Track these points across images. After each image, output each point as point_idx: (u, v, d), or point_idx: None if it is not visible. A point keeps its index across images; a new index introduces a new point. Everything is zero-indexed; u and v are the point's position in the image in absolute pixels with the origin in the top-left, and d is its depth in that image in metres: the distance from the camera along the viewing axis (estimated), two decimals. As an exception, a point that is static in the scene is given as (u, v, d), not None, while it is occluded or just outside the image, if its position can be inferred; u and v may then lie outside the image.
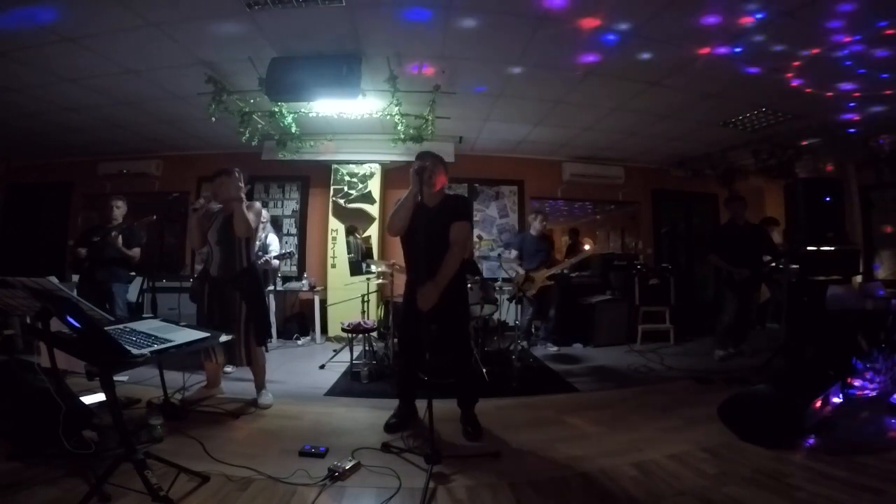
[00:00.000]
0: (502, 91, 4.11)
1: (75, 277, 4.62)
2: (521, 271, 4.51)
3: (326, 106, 4.18)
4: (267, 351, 3.01)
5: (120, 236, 3.94)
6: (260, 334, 2.92)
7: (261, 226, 2.94)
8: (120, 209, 4.12)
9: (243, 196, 2.80)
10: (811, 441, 2.30)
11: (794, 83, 3.70)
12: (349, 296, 4.84)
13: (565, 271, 4.61)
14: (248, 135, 4.27)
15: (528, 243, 4.70)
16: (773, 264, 4.49)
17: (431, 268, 2.26)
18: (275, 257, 4.37)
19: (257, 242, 3.05)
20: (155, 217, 4.08)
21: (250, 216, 2.78)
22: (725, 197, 4.82)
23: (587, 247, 4.58)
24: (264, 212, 2.97)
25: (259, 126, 4.47)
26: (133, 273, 4.31)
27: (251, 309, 2.85)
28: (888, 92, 3.81)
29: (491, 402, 2.97)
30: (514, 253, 4.76)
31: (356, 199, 5.63)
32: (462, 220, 2.41)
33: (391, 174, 5.84)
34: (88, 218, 6.06)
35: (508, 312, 4.86)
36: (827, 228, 3.64)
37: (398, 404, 2.65)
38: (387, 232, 2.62)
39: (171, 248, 5.79)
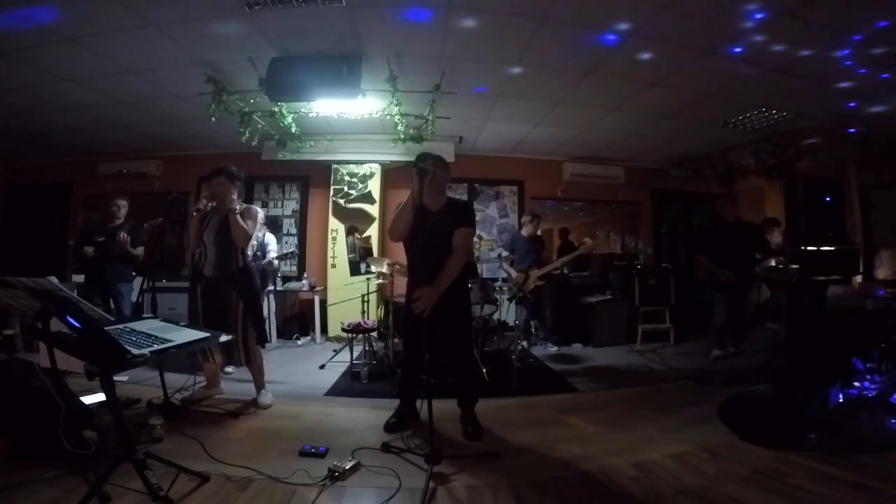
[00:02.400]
0: (502, 91, 4.10)
1: (77, 277, 4.64)
2: (514, 272, 4.52)
3: (326, 106, 4.18)
4: (263, 348, 3.00)
5: (129, 236, 4.00)
6: (257, 335, 2.92)
7: (258, 226, 2.96)
8: (124, 208, 4.17)
9: (236, 206, 2.80)
10: (811, 441, 2.30)
11: (794, 83, 3.70)
12: (349, 296, 4.83)
13: (564, 271, 4.60)
14: (248, 135, 4.27)
15: (519, 244, 4.72)
16: (764, 263, 4.47)
17: (431, 271, 2.26)
18: (276, 257, 4.38)
19: (254, 242, 3.05)
20: (161, 220, 4.14)
21: (248, 223, 2.80)
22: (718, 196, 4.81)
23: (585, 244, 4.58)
24: (261, 212, 2.99)
25: (259, 126, 4.47)
26: (133, 273, 4.33)
27: (248, 309, 2.86)
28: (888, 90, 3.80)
29: (491, 402, 2.97)
30: (505, 253, 4.78)
31: (356, 199, 5.63)
32: (466, 226, 2.41)
33: (391, 174, 5.84)
34: (88, 218, 6.06)
35: (508, 312, 4.86)
36: (827, 228, 3.64)
37: (398, 404, 2.65)
38: (388, 237, 2.62)
39: (172, 248, 5.78)
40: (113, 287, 4.00)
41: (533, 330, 4.93)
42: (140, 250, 4.06)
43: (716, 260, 4.16)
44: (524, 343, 4.53)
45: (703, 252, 4.30)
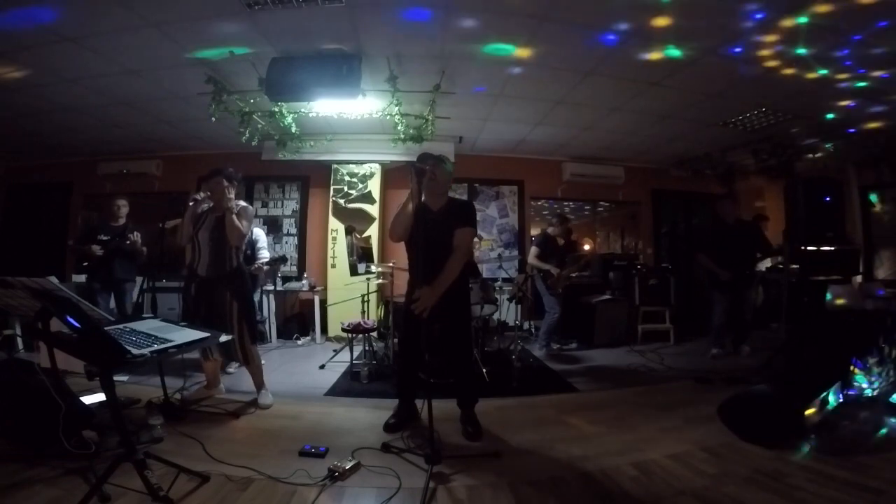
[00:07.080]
0: (502, 91, 4.10)
1: (80, 277, 4.67)
2: (552, 268, 4.51)
3: (326, 106, 4.18)
4: (254, 345, 2.99)
5: (139, 235, 4.11)
6: (251, 334, 2.93)
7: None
8: (125, 208, 4.30)
9: (232, 206, 2.82)
10: (811, 441, 2.30)
11: (794, 83, 3.70)
12: (349, 296, 4.83)
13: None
14: (248, 135, 4.26)
15: (549, 243, 4.71)
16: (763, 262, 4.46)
17: (432, 271, 2.25)
18: (265, 264, 4.24)
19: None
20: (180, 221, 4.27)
21: (243, 223, 2.81)
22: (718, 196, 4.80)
23: (587, 247, 4.58)
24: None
25: (259, 126, 4.46)
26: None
27: (242, 309, 2.86)
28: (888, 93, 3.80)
29: (491, 402, 2.97)
30: (535, 250, 4.74)
31: (356, 199, 5.64)
32: (467, 226, 2.41)
33: (391, 174, 5.84)
34: (87, 218, 6.06)
35: (508, 312, 4.85)
36: (827, 228, 3.64)
37: (398, 404, 2.65)
38: (388, 237, 2.63)
39: (171, 248, 5.78)
40: (121, 285, 4.16)
41: (533, 330, 4.92)
42: (144, 249, 4.20)
43: (716, 259, 4.16)
44: (557, 346, 4.63)
45: (703, 251, 4.30)
